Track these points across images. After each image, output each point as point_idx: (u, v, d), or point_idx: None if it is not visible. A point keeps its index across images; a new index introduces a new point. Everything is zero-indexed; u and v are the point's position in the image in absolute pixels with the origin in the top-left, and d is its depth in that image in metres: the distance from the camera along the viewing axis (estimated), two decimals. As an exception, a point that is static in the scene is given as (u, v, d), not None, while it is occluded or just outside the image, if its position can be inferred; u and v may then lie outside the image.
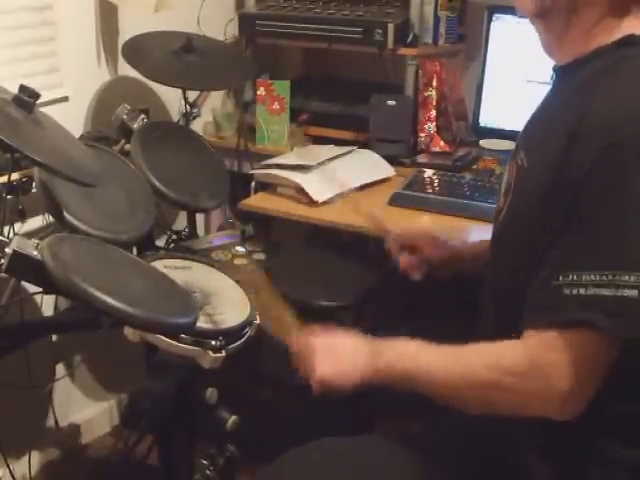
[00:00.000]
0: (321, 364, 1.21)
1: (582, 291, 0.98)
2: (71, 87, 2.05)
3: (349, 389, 1.19)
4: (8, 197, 1.61)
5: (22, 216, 1.76)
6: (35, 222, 1.93)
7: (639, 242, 0.97)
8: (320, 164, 2.08)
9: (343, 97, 2.41)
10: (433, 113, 2.26)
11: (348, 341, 1.23)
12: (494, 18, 2.16)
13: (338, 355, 1.21)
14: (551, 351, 1.01)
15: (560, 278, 1.00)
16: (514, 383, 1.04)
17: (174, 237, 2.18)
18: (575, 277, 0.99)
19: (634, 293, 0.96)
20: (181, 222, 2.33)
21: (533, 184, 1.10)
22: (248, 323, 1.55)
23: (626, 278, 0.96)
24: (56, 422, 2.16)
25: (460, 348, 1.10)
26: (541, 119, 1.20)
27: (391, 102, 2.24)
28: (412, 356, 1.14)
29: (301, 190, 2.01)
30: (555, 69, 1.20)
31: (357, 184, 2.08)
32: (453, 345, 1.11)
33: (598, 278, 0.97)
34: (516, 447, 1.14)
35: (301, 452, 1.25)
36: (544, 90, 1.25)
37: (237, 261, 2.02)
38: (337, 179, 2.04)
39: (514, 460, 1.16)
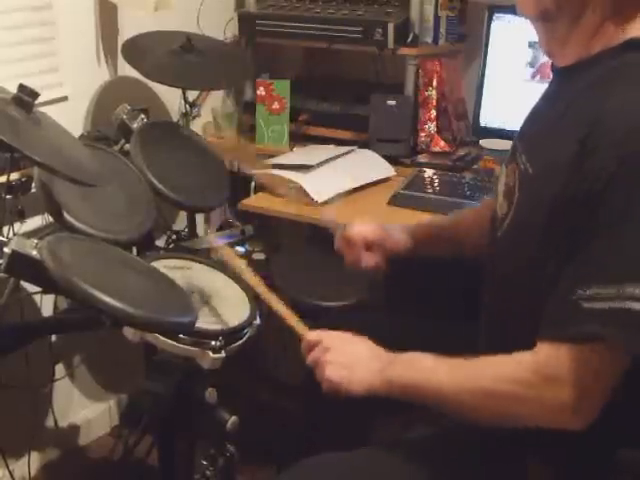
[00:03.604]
0: (332, 366, 1.19)
1: (599, 305, 0.97)
2: (71, 87, 2.05)
3: (357, 395, 1.17)
4: (7, 197, 1.61)
5: (21, 216, 1.76)
6: (34, 222, 1.93)
7: None
8: (320, 164, 2.07)
9: (343, 97, 2.40)
10: (433, 113, 2.26)
11: (362, 347, 1.21)
12: (494, 18, 2.16)
13: (350, 359, 1.19)
14: (563, 364, 1.00)
15: (578, 292, 0.98)
16: (526, 395, 1.03)
17: (174, 237, 2.18)
18: (593, 291, 0.97)
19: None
20: (181, 222, 2.33)
21: (540, 193, 1.07)
22: (248, 323, 1.55)
23: (632, 289, 0.95)
24: (56, 422, 2.16)
25: (471, 360, 1.09)
26: (543, 121, 1.17)
27: (391, 102, 2.23)
28: (423, 369, 1.12)
29: (301, 190, 2.01)
30: (555, 70, 1.19)
31: (357, 184, 2.07)
32: (462, 357, 1.09)
33: (615, 292, 0.96)
34: (515, 448, 1.13)
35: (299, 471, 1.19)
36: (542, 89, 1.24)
37: (237, 261, 2.02)
38: (337, 179, 2.04)
39: (513, 461, 1.15)
